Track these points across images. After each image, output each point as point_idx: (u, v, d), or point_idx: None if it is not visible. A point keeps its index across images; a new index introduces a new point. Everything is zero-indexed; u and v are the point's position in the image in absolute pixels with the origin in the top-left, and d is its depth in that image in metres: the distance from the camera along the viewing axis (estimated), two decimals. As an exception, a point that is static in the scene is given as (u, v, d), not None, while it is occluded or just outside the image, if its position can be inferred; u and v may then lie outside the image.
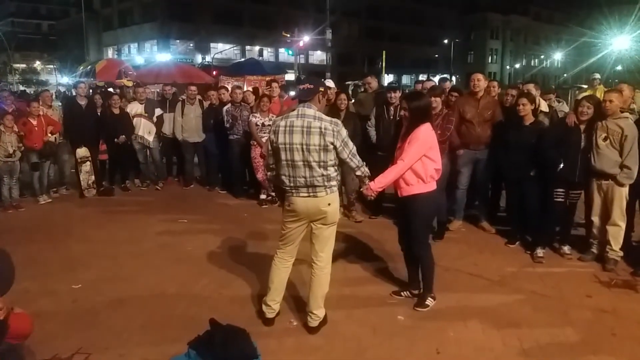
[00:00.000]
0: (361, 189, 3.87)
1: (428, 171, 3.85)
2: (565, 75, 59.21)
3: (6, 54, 44.61)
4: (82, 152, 8.09)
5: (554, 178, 5.08)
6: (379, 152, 6.50)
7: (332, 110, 6.84)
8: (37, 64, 54.74)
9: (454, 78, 40.51)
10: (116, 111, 8.27)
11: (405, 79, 58.02)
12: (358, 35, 58.42)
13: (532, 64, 75.87)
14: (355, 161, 3.54)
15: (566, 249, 5.29)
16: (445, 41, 60.90)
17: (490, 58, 71.81)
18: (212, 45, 46.45)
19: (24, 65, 52.71)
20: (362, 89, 9.44)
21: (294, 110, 3.50)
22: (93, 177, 8.24)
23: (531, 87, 5.94)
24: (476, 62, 66.26)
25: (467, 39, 67.09)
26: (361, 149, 6.56)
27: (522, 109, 5.21)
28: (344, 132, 3.43)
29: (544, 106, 6.05)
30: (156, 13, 45.79)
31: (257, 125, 7.23)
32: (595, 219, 5.10)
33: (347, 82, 27.51)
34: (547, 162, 5.08)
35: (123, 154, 8.48)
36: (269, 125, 7.19)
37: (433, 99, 5.64)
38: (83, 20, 47.23)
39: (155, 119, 8.57)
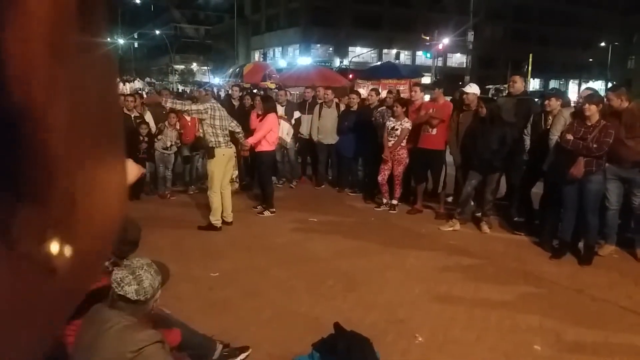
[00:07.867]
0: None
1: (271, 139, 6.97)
2: None
3: (169, 56, 49.87)
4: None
5: None
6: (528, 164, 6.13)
7: (472, 116, 6.54)
8: (194, 66, 60.31)
9: (609, 84, 36.52)
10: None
11: (553, 85, 53.68)
12: (502, 37, 55.47)
13: None
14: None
15: None
16: (602, 44, 55.14)
17: (654, 63, 63.33)
18: (350, 49, 47.39)
19: (182, 67, 58.40)
20: (505, 93, 8.86)
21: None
22: (237, 172, 8.81)
23: None
24: (637, 68, 58.86)
25: (628, 42, 59.88)
26: (507, 160, 6.18)
27: None
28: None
29: None
30: (300, 18, 47.96)
31: (387, 128, 7.26)
32: None
33: (487, 87, 26.24)
34: None
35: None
36: (397, 129, 7.14)
37: (587, 106, 5.10)
38: (235, 26, 51.16)
39: (293, 121, 8.95)
